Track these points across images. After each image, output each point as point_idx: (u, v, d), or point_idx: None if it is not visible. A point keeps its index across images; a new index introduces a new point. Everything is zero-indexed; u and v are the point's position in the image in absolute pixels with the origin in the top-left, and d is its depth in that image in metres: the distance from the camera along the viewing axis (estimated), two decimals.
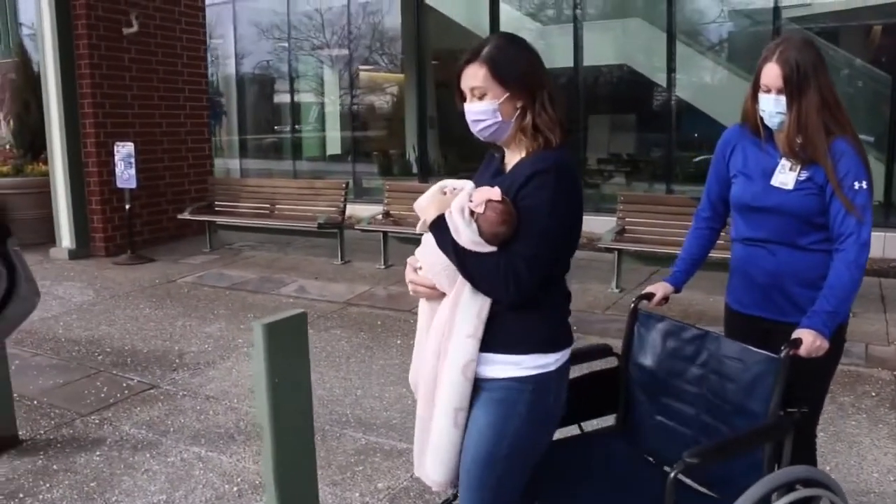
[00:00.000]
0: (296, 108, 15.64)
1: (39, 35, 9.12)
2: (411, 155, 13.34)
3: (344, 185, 8.52)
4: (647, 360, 2.72)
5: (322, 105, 15.67)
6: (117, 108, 9.15)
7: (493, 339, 2.06)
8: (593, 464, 2.61)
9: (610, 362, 2.81)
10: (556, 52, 12.31)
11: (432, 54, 13.45)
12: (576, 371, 2.74)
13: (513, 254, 1.98)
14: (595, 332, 5.66)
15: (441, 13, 13.07)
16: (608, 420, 2.82)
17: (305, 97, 15.87)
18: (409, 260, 2.24)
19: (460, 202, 2.03)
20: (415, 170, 13.14)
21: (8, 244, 2.37)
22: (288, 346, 2.72)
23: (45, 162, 9.60)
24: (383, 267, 7.89)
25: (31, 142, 10.55)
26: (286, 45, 15.23)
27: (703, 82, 11.72)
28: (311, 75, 15.76)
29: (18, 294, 2.50)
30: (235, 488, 3.58)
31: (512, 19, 12.70)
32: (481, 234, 1.99)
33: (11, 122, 12.28)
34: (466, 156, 13.20)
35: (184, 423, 4.30)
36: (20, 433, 4.18)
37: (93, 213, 9.03)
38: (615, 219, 7.13)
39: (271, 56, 15.91)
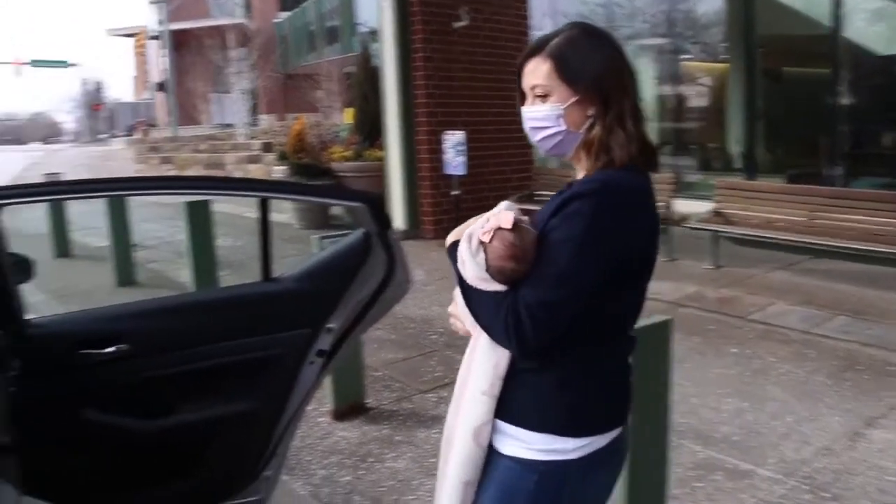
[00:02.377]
0: None
1: (380, 32, 9.85)
2: (734, 149, 12.60)
3: (673, 181, 8.26)
4: None
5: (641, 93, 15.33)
6: (447, 99, 9.61)
7: (504, 402, 1.66)
8: None
9: None
10: None
11: (759, 41, 12.58)
12: None
13: (517, 297, 1.56)
14: None
15: None
16: None
17: None
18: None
19: (473, 227, 1.66)
20: (737, 164, 12.39)
21: (389, 234, 2.49)
22: (649, 356, 2.61)
23: (381, 148, 10.34)
24: (712, 267, 7.51)
25: (369, 130, 11.45)
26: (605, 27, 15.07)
27: None
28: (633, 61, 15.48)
29: (395, 279, 2.62)
30: None
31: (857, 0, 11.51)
32: (487, 268, 1.61)
33: (348, 112, 13.43)
34: (798, 151, 12.23)
35: None
36: (367, 401, 4.51)
37: (423, 198, 9.57)
38: None
39: None
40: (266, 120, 30.30)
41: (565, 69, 1.65)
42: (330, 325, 2.64)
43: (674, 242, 8.08)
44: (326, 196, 3.41)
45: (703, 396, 4.50)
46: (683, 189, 11.64)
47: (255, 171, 18.57)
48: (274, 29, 34.29)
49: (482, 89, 9.97)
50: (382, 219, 2.50)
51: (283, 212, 11.03)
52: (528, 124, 1.72)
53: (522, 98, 1.74)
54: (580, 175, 1.71)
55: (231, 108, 24.20)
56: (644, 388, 2.63)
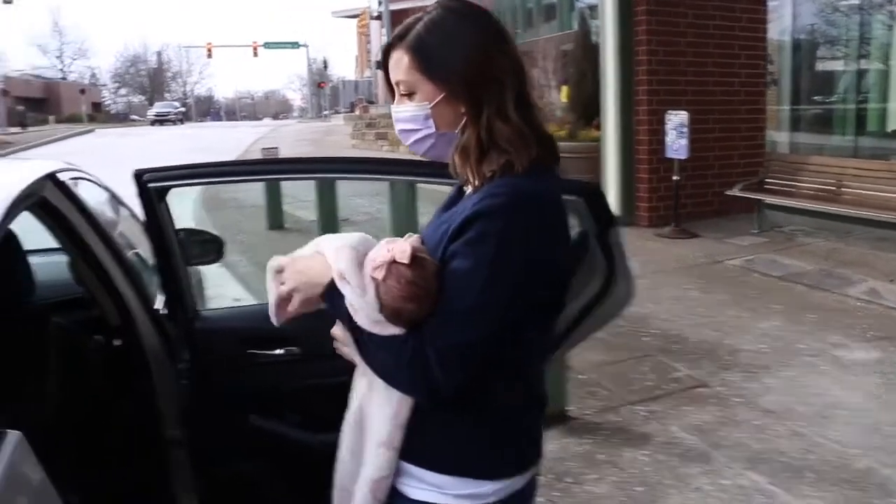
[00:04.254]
0: (860, 75, 13.91)
1: (601, 6, 9.28)
2: None
3: None
4: None
5: (888, 72, 13.72)
6: (670, 76, 8.94)
7: (411, 443, 1.44)
8: None
9: None
10: None
11: None
12: None
13: (423, 341, 1.32)
14: None
15: None
16: None
17: (869, 63, 14.03)
18: None
19: (347, 260, 1.39)
20: None
21: (610, 235, 1.98)
22: None
23: (597, 128, 9.82)
24: None
25: (585, 109, 10.96)
26: (853, 2, 13.57)
27: None
28: (878, 37, 13.86)
29: (615, 291, 2.12)
30: None
31: None
32: (381, 309, 1.33)
33: (564, 90, 12.99)
34: None
35: (739, 439, 3.76)
36: (569, 409, 4.07)
37: (639, 182, 8.96)
38: None
39: (831, 17, 14.37)
40: None
41: (426, 62, 1.41)
42: None
43: None
44: None
45: None
46: None
47: None
48: (493, 6, 34.46)
49: (710, 65, 9.16)
50: (604, 215, 2.00)
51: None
52: (396, 126, 1.49)
53: (393, 93, 1.49)
54: (470, 187, 1.45)
55: None
56: None
